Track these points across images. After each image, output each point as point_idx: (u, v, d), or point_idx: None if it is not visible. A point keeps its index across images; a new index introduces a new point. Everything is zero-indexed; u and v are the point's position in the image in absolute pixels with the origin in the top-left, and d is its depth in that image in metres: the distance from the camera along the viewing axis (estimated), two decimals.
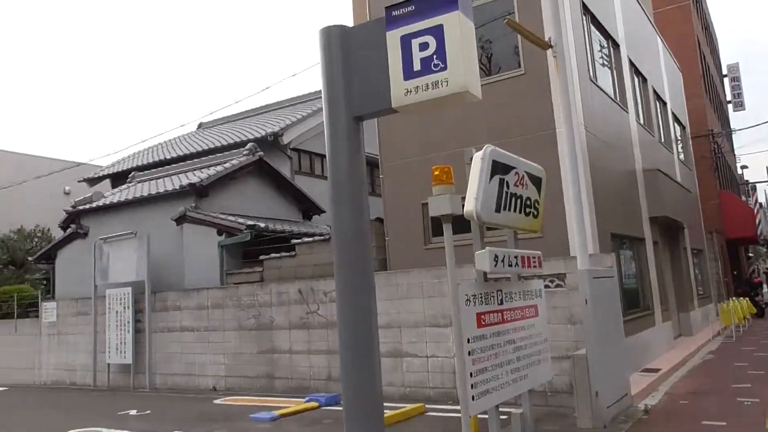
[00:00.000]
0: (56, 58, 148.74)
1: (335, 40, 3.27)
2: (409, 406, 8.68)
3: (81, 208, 15.58)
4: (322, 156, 18.39)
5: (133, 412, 10.33)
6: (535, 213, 5.68)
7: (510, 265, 5.25)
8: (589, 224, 9.04)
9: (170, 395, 12.20)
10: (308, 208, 16.47)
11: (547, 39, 8.06)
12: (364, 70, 3.28)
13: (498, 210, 5.03)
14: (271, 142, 16.39)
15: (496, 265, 5.01)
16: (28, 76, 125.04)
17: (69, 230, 15.91)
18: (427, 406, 8.90)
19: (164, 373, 13.12)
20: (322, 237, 11.96)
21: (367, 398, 3.10)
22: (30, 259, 19.05)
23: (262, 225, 12.99)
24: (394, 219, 11.06)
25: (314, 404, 9.53)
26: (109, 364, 13.97)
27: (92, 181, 19.58)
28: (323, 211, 16.35)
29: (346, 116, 3.29)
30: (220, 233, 12.92)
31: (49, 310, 15.69)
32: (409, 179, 10.80)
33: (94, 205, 15.48)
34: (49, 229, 21.19)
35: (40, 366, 15.81)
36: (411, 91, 3.04)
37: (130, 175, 17.24)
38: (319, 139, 17.90)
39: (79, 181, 19.68)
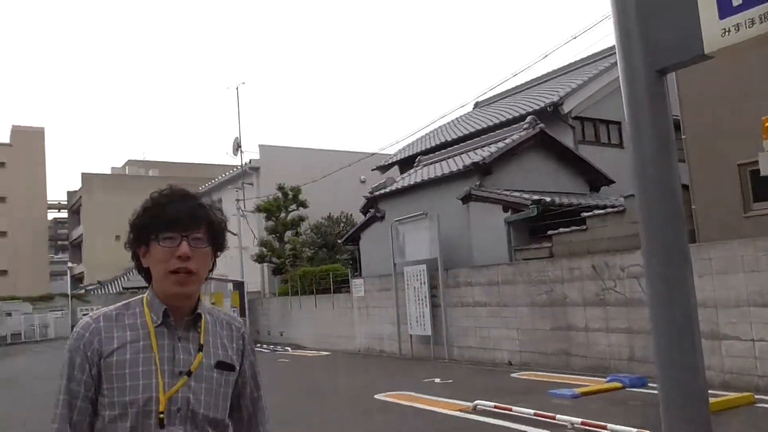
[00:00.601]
0: (335, 59, 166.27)
1: None
2: (733, 395, 7.61)
3: (377, 193, 17.14)
4: (608, 122, 17.17)
5: (437, 380, 11.00)
6: None
7: None
8: None
9: (468, 367, 12.72)
10: (595, 179, 15.55)
11: None
12: (666, 13, 2.82)
13: None
14: (550, 113, 15.87)
15: None
16: (321, 78, 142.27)
17: (368, 214, 17.63)
18: (756, 396, 7.70)
19: (460, 346, 13.73)
20: (615, 209, 11.14)
21: (689, 382, 2.71)
22: (339, 241, 21.71)
23: (548, 199, 12.66)
24: (702, 185, 9.77)
25: (617, 384, 8.97)
26: (411, 335, 15.16)
27: (383, 169, 21.40)
28: (612, 182, 15.26)
29: (646, 71, 2.86)
30: (505, 209, 12.97)
31: (357, 286, 17.66)
32: (720, 138, 9.40)
33: (387, 190, 16.89)
34: (351, 215, 23.87)
35: (354, 335, 17.93)
36: (729, 31, 2.51)
37: (416, 160, 18.37)
38: (604, 104, 16.73)
39: (372, 170, 21.71)
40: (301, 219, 23.32)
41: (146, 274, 1.66)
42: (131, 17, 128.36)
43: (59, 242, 70.09)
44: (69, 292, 42.49)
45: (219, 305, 22.52)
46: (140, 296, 1.67)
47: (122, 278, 46.49)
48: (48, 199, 57.12)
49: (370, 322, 17.22)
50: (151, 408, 1.50)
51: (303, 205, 23.26)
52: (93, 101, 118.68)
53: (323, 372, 14.42)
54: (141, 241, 1.61)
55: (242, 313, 23.08)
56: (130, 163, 59.89)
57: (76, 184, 58.62)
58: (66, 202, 64.06)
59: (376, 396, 9.77)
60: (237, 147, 25.11)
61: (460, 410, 8.17)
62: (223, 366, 1.62)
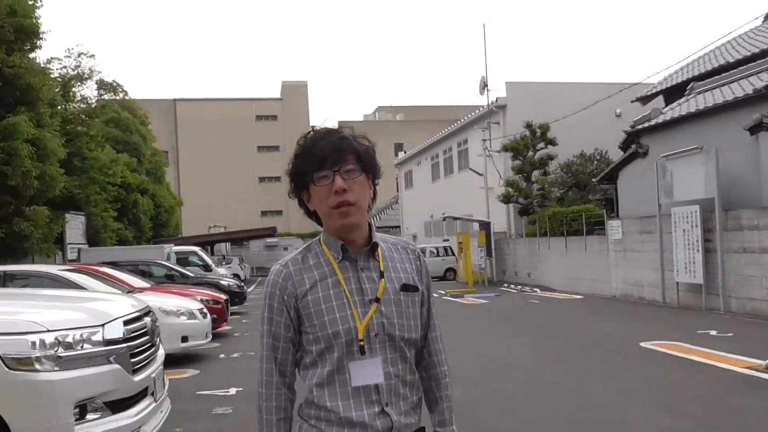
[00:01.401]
0: None
1: None
2: None
3: (639, 127, 15.56)
4: None
5: (712, 332, 9.84)
6: None
7: None
8: None
9: (750, 320, 11.16)
10: None
11: None
12: None
13: None
14: None
15: None
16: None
17: (629, 151, 16.16)
18: None
19: (740, 297, 12.06)
20: None
21: None
22: (593, 180, 20.42)
23: None
24: None
25: None
26: (677, 283, 13.75)
27: (644, 100, 19.33)
28: None
29: None
30: None
31: (614, 228, 16.49)
32: None
33: (652, 122, 15.23)
34: (606, 152, 22.20)
35: (608, 279, 16.90)
36: None
37: (687, 87, 16.20)
38: None
39: (631, 101, 19.75)
40: (550, 157, 22.40)
41: (316, 216, 1.71)
42: None
43: None
44: None
45: (465, 245, 23.02)
46: (316, 238, 1.75)
47: (375, 218, 50.31)
48: None
49: (627, 266, 16.04)
50: (351, 337, 1.60)
51: (552, 142, 22.28)
52: (345, 52, 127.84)
53: (578, 315, 13.89)
54: (301, 187, 1.68)
55: (488, 253, 23.29)
56: (379, 109, 63.60)
57: None
58: None
59: (641, 344, 9.06)
60: (483, 86, 24.83)
61: (749, 367, 7.14)
62: (407, 288, 1.70)
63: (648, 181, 14.61)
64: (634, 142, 15.91)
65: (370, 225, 1.71)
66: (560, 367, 7.92)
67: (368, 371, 1.62)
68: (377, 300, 1.63)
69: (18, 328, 3.36)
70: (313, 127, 1.72)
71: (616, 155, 18.74)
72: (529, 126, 22.47)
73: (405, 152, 40.66)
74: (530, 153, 22.72)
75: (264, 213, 56.75)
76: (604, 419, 5.55)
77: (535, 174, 22.73)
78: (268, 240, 41.59)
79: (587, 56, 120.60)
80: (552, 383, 7.00)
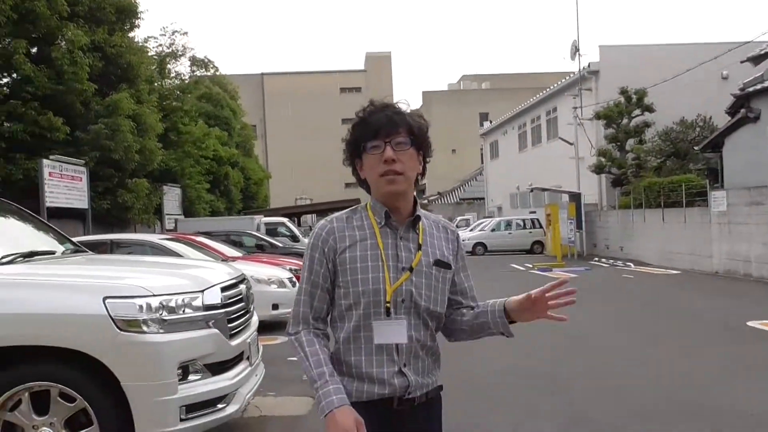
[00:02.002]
0: None
1: None
2: None
3: (750, 89, 14.39)
4: None
5: None
6: None
7: None
8: None
9: None
10: None
11: None
12: None
13: None
14: None
15: None
16: None
17: (737, 116, 14.99)
18: None
19: None
20: None
21: None
22: (695, 148, 19.16)
23: None
24: None
25: None
26: None
27: (756, 60, 17.77)
28: None
29: None
30: None
31: (718, 199, 15.44)
32: None
33: (766, 84, 14.01)
34: (710, 118, 20.73)
35: (710, 254, 15.91)
36: None
37: None
38: None
39: (741, 62, 18.22)
40: (647, 125, 21.16)
41: (366, 185, 1.82)
42: None
43: None
44: None
45: (554, 217, 22.34)
46: (364, 203, 1.86)
47: (459, 189, 49.83)
48: None
49: (732, 240, 15.01)
50: (379, 298, 1.71)
51: (649, 109, 21.01)
52: (429, 21, 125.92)
53: (676, 291, 13.17)
54: (354, 155, 1.81)
55: (578, 226, 22.50)
56: (464, 78, 62.46)
57: (418, 103, 63.81)
58: None
59: (748, 323, 8.46)
60: (575, 50, 23.71)
61: None
62: (440, 264, 1.80)
63: (759, 148, 13.54)
64: (744, 106, 14.72)
65: (415, 199, 1.82)
66: (659, 346, 7.53)
67: (392, 331, 1.72)
68: (411, 269, 1.74)
69: (127, 291, 3.51)
70: (371, 100, 1.82)
71: (722, 121, 17.44)
72: (624, 92, 21.29)
73: (490, 122, 39.82)
74: (625, 120, 21.56)
75: (348, 185, 57.43)
76: (710, 402, 5.22)
77: (630, 143, 21.59)
78: None
79: (688, 15, 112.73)
80: (649, 361, 6.67)
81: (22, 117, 14.05)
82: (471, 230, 28.91)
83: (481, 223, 29.57)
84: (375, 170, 1.74)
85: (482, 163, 43.83)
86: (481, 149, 43.04)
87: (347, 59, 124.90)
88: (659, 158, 21.47)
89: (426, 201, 50.70)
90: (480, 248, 26.21)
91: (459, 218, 38.45)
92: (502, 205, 36.19)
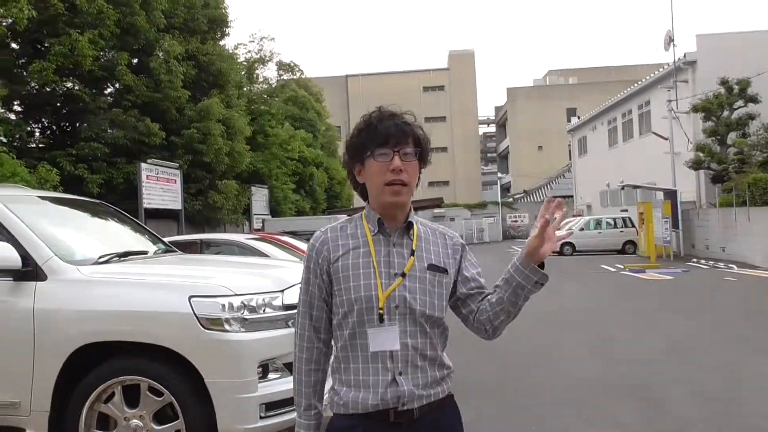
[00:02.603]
0: None
1: None
2: None
3: None
4: None
5: None
6: None
7: None
8: None
9: None
10: None
11: None
12: None
13: None
14: None
15: None
16: None
17: None
18: None
19: None
20: None
21: None
22: None
23: None
24: None
25: None
26: None
27: None
28: None
29: None
30: None
31: None
32: None
33: None
34: None
35: None
36: None
37: None
38: None
39: None
40: (751, 117, 19.71)
41: (362, 190, 1.85)
42: None
43: (488, 154, 77.10)
44: (499, 200, 46.60)
45: (647, 215, 21.26)
46: (360, 212, 1.86)
47: (546, 187, 48.54)
48: (479, 115, 62.76)
49: None
50: (372, 305, 1.71)
51: (753, 100, 19.57)
52: (513, 17, 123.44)
53: None
54: (356, 159, 1.82)
55: (674, 225, 21.30)
56: (550, 73, 60.78)
57: (502, 100, 62.72)
58: (493, 117, 69.56)
59: None
60: (669, 41, 22.44)
61: None
62: (434, 268, 1.78)
63: None
64: None
65: (410, 207, 1.83)
66: None
67: (385, 338, 1.71)
68: (403, 275, 1.74)
69: (212, 291, 3.62)
70: (379, 107, 1.83)
71: None
72: (724, 82, 19.93)
73: (578, 117, 38.51)
74: (725, 113, 20.19)
75: (431, 183, 57.40)
76: None
77: (732, 136, 20.19)
78: (435, 210, 41.98)
79: None
80: (759, 375, 6.14)
81: (123, 124, 14.96)
82: (558, 229, 28.06)
83: (569, 222, 28.65)
84: (380, 178, 1.75)
85: (570, 159, 42.47)
86: (569, 145, 41.69)
87: (430, 59, 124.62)
88: (765, 152, 19.94)
89: (511, 199, 49.77)
90: (568, 248, 25.41)
91: None
92: (591, 203, 34.92)
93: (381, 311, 1.71)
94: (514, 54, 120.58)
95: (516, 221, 44.66)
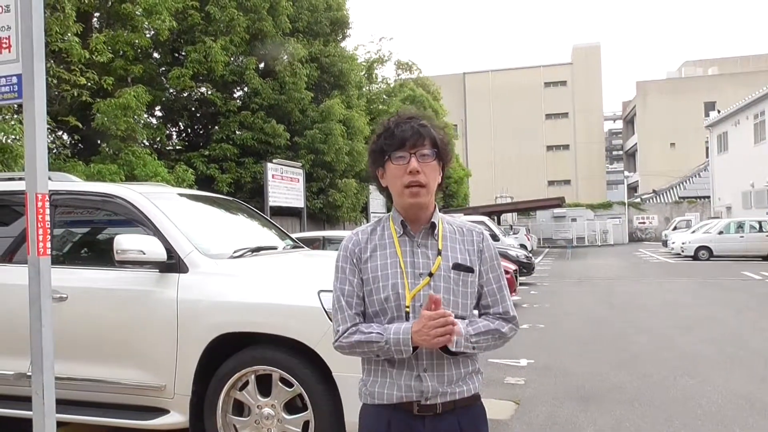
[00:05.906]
0: None
1: None
2: None
3: None
4: None
5: None
6: None
7: None
8: None
9: None
10: None
11: None
12: None
13: None
14: None
15: None
16: None
17: None
18: None
19: None
20: None
21: None
22: None
23: None
24: None
25: None
26: None
27: None
28: None
29: None
30: None
31: None
32: None
33: None
34: None
35: None
36: None
37: None
38: None
39: None
40: None
41: (387, 193, 1.91)
42: None
43: (614, 152, 73.34)
44: (625, 201, 44.11)
45: None
46: (388, 214, 1.95)
47: (678, 187, 45.33)
48: (603, 111, 59.81)
49: None
50: (399, 303, 1.79)
51: None
52: (643, 6, 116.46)
53: None
54: (378, 164, 1.89)
55: None
56: (686, 64, 56.71)
57: (630, 94, 59.31)
58: (620, 113, 66.02)
59: None
60: None
61: None
62: (459, 267, 1.85)
63: None
64: None
65: (434, 206, 1.90)
66: None
67: None
68: (430, 275, 1.81)
69: None
70: (399, 112, 1.91)
71: None
72: None
73: (718, 111, 35.57)
74: None
75: (551, 182, 55.57)
76: None
77: None
78: (556, 211, 40.57)
79: None
80: None
81: (251, 126, 15.76)
82: (693, 232, 26.09)
83: (706, 224, 26.52)
84: (399, 180, 1.82)
85: (707, 157, 39.31)
86: (707, 142, 38.61)
87: (553, 54, 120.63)
88: None
89: (638, 199, 46.94)
90: (704, 252, 23.53)
91: (678, 219, 34.97)
92: (731, 205, 32.13)
93: (407, 309, 1.79)
94: (644, 46, 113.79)
95: (644, 223, 42.14)
